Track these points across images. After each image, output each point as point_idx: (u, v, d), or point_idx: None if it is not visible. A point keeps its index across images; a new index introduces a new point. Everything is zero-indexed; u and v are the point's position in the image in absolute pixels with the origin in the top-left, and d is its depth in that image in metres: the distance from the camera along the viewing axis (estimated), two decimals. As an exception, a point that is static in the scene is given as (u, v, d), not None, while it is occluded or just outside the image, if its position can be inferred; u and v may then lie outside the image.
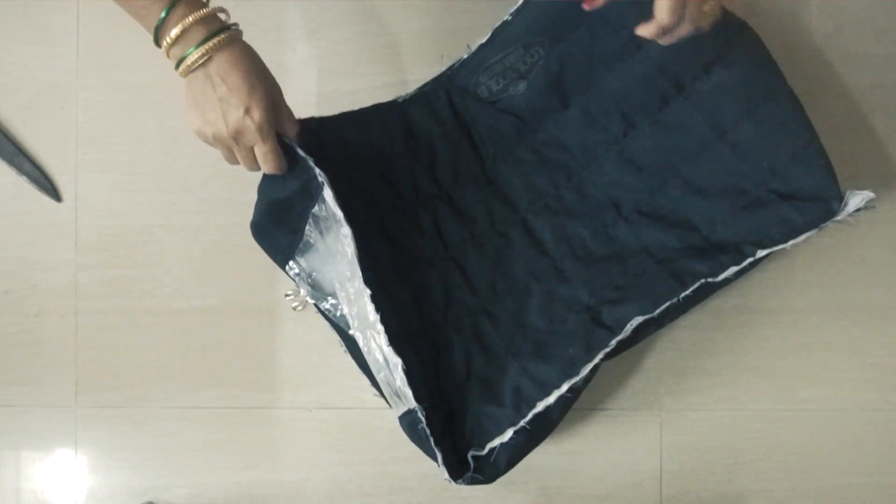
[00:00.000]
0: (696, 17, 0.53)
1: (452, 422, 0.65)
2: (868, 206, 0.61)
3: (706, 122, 0.66)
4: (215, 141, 0.57)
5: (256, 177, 0.62)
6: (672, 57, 0.65)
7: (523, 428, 0.62)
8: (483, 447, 0.63)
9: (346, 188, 0.64)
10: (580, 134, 0.70)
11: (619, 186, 0.69)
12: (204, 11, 0.53)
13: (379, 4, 0.75)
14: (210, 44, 0.53)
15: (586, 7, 0.55)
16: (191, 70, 0.54)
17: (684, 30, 0.54)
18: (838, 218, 0.62)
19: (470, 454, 0.63)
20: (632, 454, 0.74)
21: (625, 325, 0.63)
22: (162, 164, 0.75)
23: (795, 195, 0.64)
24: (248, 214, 0.74)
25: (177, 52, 0.54)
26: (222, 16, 0.55)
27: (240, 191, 0.74)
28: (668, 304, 0.63)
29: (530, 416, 0.62)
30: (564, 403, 0.64)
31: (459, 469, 0.62)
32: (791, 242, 0.63)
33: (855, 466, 0.74)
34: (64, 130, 0.75)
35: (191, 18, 0.52)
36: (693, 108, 0.66)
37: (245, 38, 0.56)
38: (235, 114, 0.54)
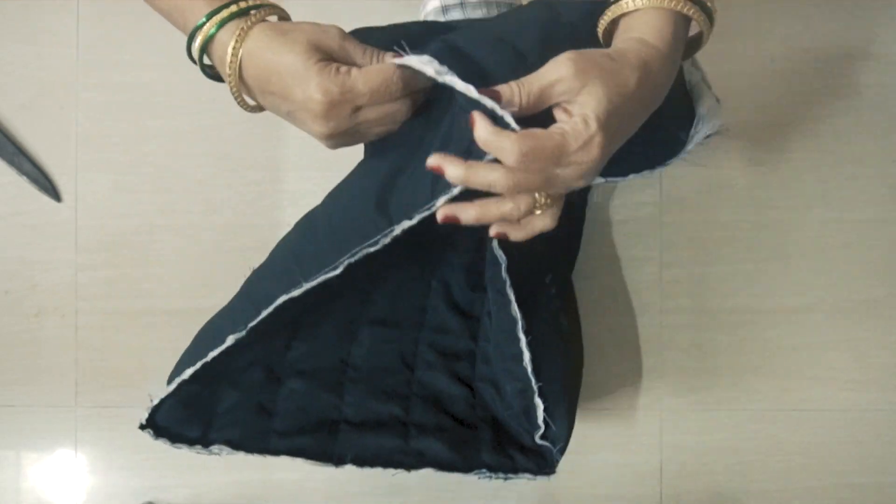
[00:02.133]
0: (544, 182, 0.40)
1: (502, 432, 0.64)
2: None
3: None
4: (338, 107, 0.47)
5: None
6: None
7: (540, 387, 0.59)
8: (538, 425, 0.60)
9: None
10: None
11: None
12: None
13: (379, 4, 0.75)
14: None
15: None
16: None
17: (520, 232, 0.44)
18: None
19: (538, 441, 0.61)
20: (632, 454, 0.74)
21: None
22: (162, 164, 0.75)
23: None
24: (249, 214, 0.74)
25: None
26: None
27: (240, 191, 0.74)
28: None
29: (529, 367, 0.58)
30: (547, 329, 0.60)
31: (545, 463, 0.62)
32: None
33: (855, 466, 0.74)
34: (64, 130, 0.75)
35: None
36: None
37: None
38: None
